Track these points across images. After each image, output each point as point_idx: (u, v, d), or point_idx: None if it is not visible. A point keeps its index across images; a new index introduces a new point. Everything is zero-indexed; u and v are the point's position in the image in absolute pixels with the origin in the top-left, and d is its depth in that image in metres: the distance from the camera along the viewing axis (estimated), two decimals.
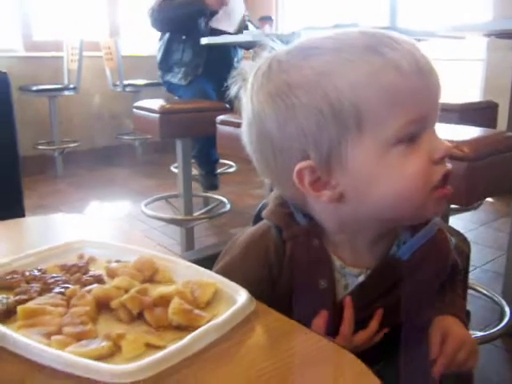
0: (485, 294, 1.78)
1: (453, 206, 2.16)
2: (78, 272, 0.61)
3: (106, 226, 0.91)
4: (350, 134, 0.53)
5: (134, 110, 2.28)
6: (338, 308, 0.60)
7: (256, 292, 0.59)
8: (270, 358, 0.46)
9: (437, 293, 0.67)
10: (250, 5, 3.39)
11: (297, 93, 0.54)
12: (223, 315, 0.49)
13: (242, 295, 0.53)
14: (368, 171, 0.54)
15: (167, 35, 2.82)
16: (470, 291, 1.84)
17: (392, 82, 0.52)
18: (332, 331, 0.59)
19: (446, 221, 1.60)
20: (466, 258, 0.77)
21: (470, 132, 1.42)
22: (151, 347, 0.46)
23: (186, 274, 0.59)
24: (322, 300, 0.60)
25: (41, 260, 0.63)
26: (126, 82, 3.94)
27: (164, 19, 2.72)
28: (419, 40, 1.98)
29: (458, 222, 2.66)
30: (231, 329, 0.49)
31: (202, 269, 0.59)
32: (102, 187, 3.65)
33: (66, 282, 0.58)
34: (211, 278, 0.57)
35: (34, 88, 3.67)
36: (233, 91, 0.62)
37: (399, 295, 0.61)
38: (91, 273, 0.61)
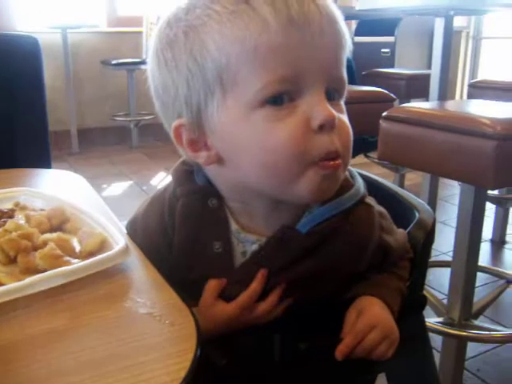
0: None
1: None
2: (2, 216, 0.64)
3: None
4: (215, 93, 0.50)
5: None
6: (237, 274, 0.57)
7: (154, 248, 0.58)
8: (111, 310, 0.45)
9: (364, 273, 0.61)
10: None
11: (173, 48, 0.51)
12: (79, 263, 0.49)
13: (117, 247, 0.52)
14: (233, 135, 0.51)
15: None
16: None
17: (253, 38, 0.47)
18: (226, 296, 0.56)
19: None
20: (427, 234, 0.68)
21: (508, 109, 1.27)
22: None
23: (93, 225, 0.60)
24: (218, 264, 0.57)
25: None
26: None
27: None
28: None
29: None
30: (94, 276, 0.49)
31: (105, 222, 0.59)
32: (174, 160, 3.76)
33: None
34: (104, 230, 0.57)
35: (114, 62, 3.85)
36: None
37: (308, 270, 0.56)
38: (14, 219, 0.63)
